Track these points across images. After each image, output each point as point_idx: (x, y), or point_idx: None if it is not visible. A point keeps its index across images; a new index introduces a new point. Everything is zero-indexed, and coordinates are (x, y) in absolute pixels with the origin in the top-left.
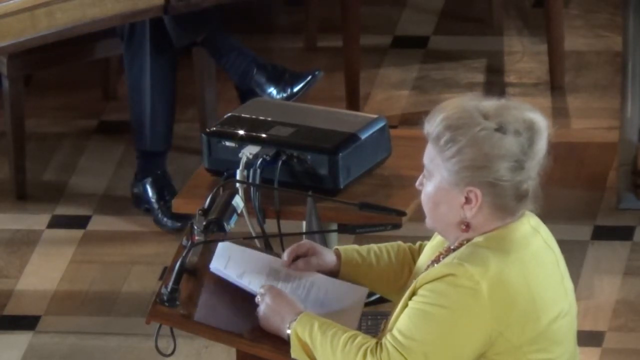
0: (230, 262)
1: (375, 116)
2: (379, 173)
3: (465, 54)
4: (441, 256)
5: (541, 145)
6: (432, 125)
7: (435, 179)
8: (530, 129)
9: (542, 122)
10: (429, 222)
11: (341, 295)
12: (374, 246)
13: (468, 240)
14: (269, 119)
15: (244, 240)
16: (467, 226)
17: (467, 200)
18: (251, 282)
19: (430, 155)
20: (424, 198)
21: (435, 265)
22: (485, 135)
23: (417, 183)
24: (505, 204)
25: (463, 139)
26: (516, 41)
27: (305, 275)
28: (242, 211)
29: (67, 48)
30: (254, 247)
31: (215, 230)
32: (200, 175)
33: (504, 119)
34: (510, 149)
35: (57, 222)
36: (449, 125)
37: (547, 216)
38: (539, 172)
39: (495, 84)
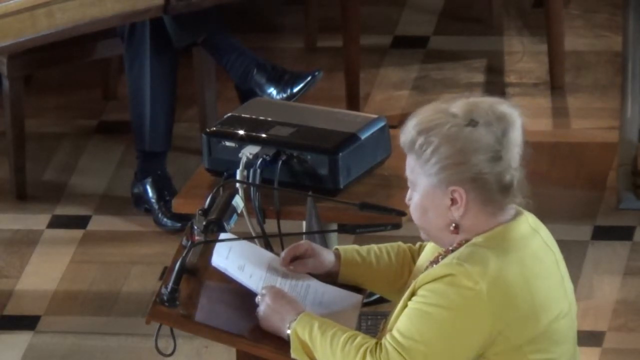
0: (231, 253)
1: (375, 116)
2: (379, 173)
3: (465, 54)
4: (440, 256)
5: (516, 134)
6: (406, 134)
7: (419, 187)
8: (501, 119)
9: (512, 111)
10: (423, 232)
11: (337, 300)
12: (374, 246)
13: (467, 241)
14: (269, 119)
15: (244, 240)
16: (456, 228)
17: (453, 201)
18: (252, 276)
19: (410, 165)
20: (412, 209)
21: (435, 265)
22: (457, 131)
23: (407, 199)
24: (490, 198)
25: (436, 139)
26: (516, 41)
27: (303, 277)
28: (242, 211)
29: (67, 48)
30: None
31: (215, 230)
32: (200, 175)
33: (473, 114)
34: (483, 141)
35: (57, 222)
36: (420, 129)
37: (547, 216)
38: (521, 162)
39: (495, 84)
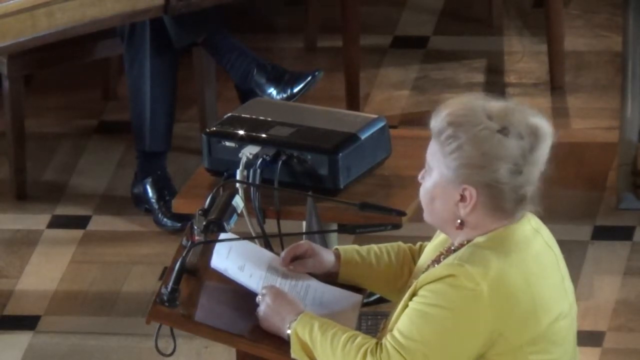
0: (232, 253)
1: (375, 116)
2: (379, 173)
3: (465, 54)
4: (442, 256)
5: (543, 152)
6: (437, 120)
7: (435, 173)
8: (534, 134)
9: (546, 128)
10: (426, 216)
11: (337, 300)
12: (374, 246)
13: (469, 241)
14: (269, 119)
15: (244, 240)
16: (461, 224)
17: (462, 198)
18: (252, 276)
19: (432, 150)
20: (422, 191)
21: (436, 265)
22: (486, 135)
23: (420, 176)
24: (501, 206)
25: (463, 136)
26: (516, 41)
27: (303, 277)
28: (242, 211)
29: (67, 48)
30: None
31: (215, 230)
32: (200, 175)
33: (508, 121)
34: (510, 151)
35: (57, 222)
36: (451, 121)
37: (547, 216)
38: (540, 179)
39: (495, 84)
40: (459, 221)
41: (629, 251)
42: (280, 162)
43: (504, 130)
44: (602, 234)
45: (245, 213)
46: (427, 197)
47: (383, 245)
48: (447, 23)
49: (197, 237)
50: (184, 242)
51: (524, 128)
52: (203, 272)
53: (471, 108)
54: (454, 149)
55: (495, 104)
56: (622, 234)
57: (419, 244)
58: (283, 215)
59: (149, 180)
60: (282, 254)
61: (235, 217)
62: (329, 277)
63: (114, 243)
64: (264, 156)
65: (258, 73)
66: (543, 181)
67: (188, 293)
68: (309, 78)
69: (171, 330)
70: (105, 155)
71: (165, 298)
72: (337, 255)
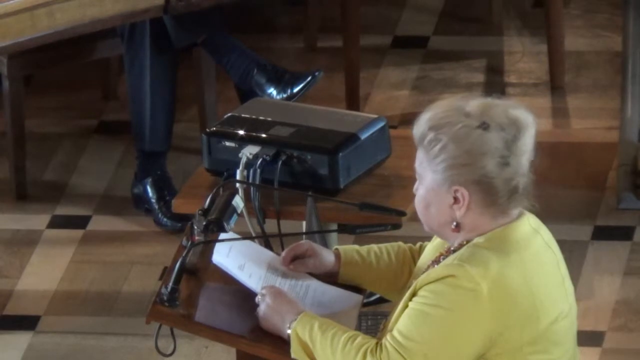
0: (232, 251)
1: (375, 116)
2: (379, 173)
3: (465, 54)
4: (442, 257)
5: (527, 141)
6: (418, 127)
7: (425, 181)
8: (515, 124)
9: (527, 118)
10: (425, 225)
11: (337, 300)
12: (374, 246)
13: (468, 241)
14: (269, 119)
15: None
16: (458, 226)
17: (455, 200)
18: (252, 275)
19: (419, 158)
20: (416, 201)
21: (436, 265)
22: (467, 132)
23: (414, 188)
24: (494, 201)
25: (445, 137)
26: (516, 41)
27: (302, 277)
28: (242, 211)
29: (67, 48)
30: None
31: (215, 230)
32: (200, 175)
33: (487, 116)
34: (492, 144)
35: (57, 222)
36: (432, 125)
37: (547, 216)
38: (531, 169)
39: (495, 84)
40: (454, 224)
41: (629, 251)
42: (280, 162)
43: (483, 125)
44: (602, 234)
45: (245, 213)
46: (421, 205)
47: (383, 245)
48: (447, 23)
49: (197, 237)
50: (184, 242)
51: (504, 120)
52: (203, 272)
53: (450, 109)
54: (438, 152)
55: (473, 102)
56: (622, 234)
57: (419, 244)
58: (283, 215)
59: (149, 180)
60: (283, 253)
61: (235, 217)
62: (329, 277)
63: (114, 243)
64: (264, 156)
65: (258, 73)
66: (543, 182)
67: (188, 293)
68: (309, 78)
69: (171, 330)
70: (105, 155)
71: (165, 298)
72: (337, 255)
